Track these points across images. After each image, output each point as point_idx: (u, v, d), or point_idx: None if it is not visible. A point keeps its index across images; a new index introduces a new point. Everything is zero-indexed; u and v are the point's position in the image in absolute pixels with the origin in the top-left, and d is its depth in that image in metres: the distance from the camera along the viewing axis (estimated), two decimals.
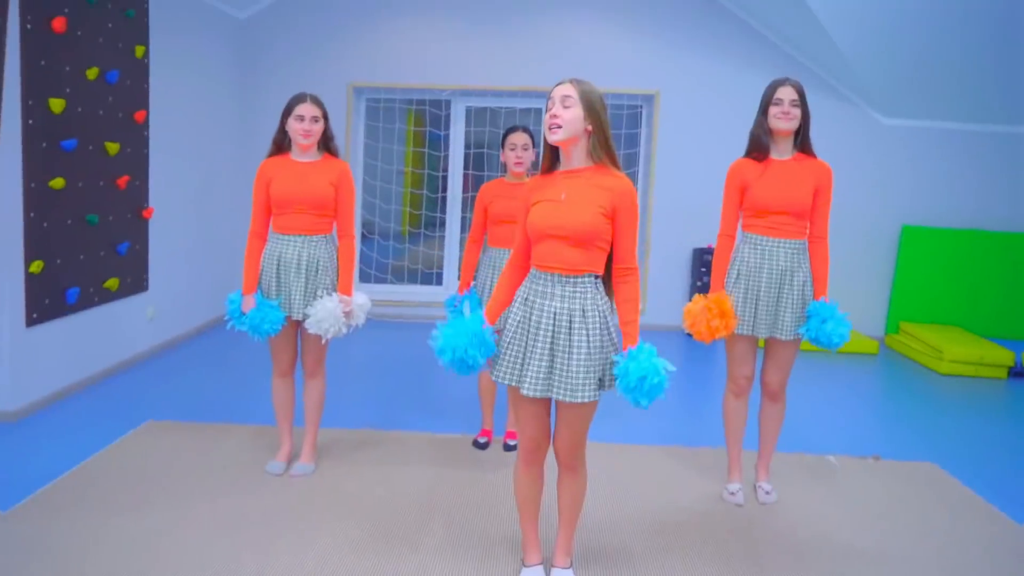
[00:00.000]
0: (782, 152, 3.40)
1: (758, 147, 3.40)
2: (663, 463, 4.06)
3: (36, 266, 4.32)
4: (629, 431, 4.55)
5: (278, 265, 3.49)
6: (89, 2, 4.66)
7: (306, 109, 3.45)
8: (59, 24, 4.36)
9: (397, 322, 7.44)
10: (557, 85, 2.54)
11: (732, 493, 3.64)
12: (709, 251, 7.05)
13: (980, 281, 7.20)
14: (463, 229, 7.66)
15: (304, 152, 3.52)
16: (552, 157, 2.62)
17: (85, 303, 4.84)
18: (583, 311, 2.51)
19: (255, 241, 3.57)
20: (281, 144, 3.56)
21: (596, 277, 2.57)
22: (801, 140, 3.39)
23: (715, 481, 3.81)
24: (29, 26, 4.16)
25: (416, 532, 3.21)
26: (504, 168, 3.98)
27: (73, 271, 4.69)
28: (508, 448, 4.11)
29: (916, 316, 7.30)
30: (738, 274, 3.45)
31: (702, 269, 7.11)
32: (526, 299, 2.58)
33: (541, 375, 2.52)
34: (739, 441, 3.68)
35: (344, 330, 3.49)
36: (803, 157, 3.39)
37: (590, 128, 2.51)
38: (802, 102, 3.34)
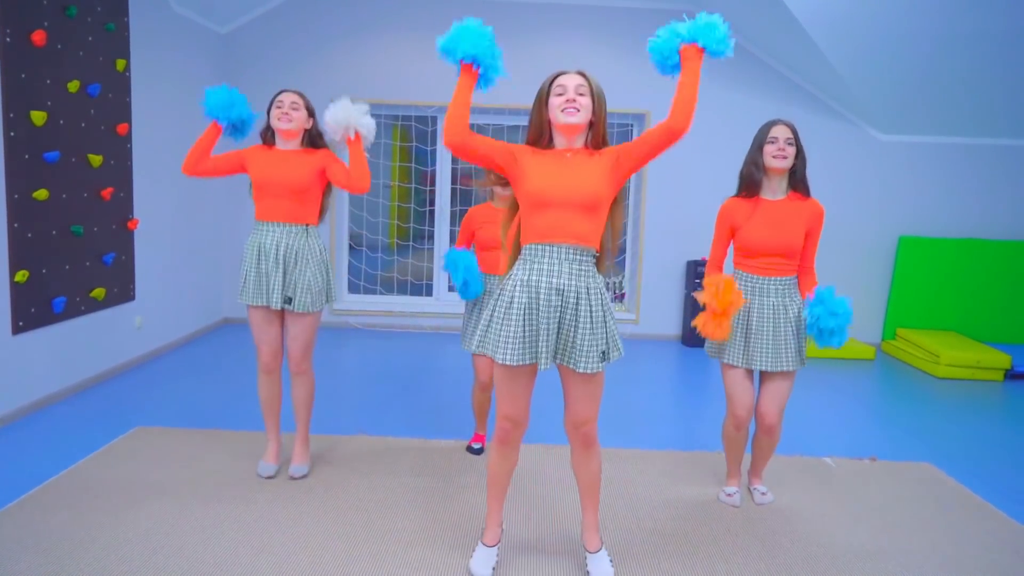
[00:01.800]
0: (775, 191, 3.39)
1: (749, 185, 3.39)
2: (662, 467, 4.08)
3: (21, 275, 4.35)
4: (627, 436, 4.58)
5: (258, 254, 3.49)
6: (69, 15, 4.72)
7: (285, 96, 3.52)
8: (39, 37, 4.41)
9: (387, 332, 7.47)
10: (563, 73, 2.61)
11: (729, 495, 3.66)
12: (703, 263, 7.13)
13: (976, 288, 7.28)
14: (451, 242, 7.71)
15: (286, 141, 3.55)
16: (547, 138, 2.66)
17: (72, 312, 4.87)
18: (587, 289, 2.58)
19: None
20: (265, 137, 3.61)
21: (595, 254, 2.64)
22: (796, 180, 3.38)
23: (713, 484, 3.83)
24: (9, 39, 4.22)
25: (409, 535, 3.23)
26: (491, 193, 3.96)
27: (59, 281, 4.73)
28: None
29: (913, 323, 7.37)
30: None
31: (696, 281, 7.17)
32: (527, 280, 2.58)
33: (557, 347, 2.60)
34: (739, 460, 3.71)
35: (351, 129, 3.48)
36: (796, 197, 3.38)
37: (593, 119, 2.60)
38: (796, 141, 3.34)
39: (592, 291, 2.58)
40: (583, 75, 2.60)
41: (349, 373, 5.84)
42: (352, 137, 3.47)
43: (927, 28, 5.92)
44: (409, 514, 3.37)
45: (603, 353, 2.61)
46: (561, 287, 2.55)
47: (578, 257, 2.57)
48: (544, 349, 2.57)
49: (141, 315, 5.82)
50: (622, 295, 7.83)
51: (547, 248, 2.57)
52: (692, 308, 7.20)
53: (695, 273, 7.20)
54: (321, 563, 2.93)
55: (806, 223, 3.35)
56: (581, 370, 2.57)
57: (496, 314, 2.63)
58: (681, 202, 7.29)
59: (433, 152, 7.63)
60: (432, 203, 7.72)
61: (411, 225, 7.79)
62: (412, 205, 7.75)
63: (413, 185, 7.72)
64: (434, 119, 7.54)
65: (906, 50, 6.20)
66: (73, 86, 4.78)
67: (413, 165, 7.71)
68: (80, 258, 4.93)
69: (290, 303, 3.49)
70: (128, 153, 5.48)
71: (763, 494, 3.67)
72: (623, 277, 7.82)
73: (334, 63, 7.27)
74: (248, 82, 7.24)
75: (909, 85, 6.61)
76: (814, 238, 3.40)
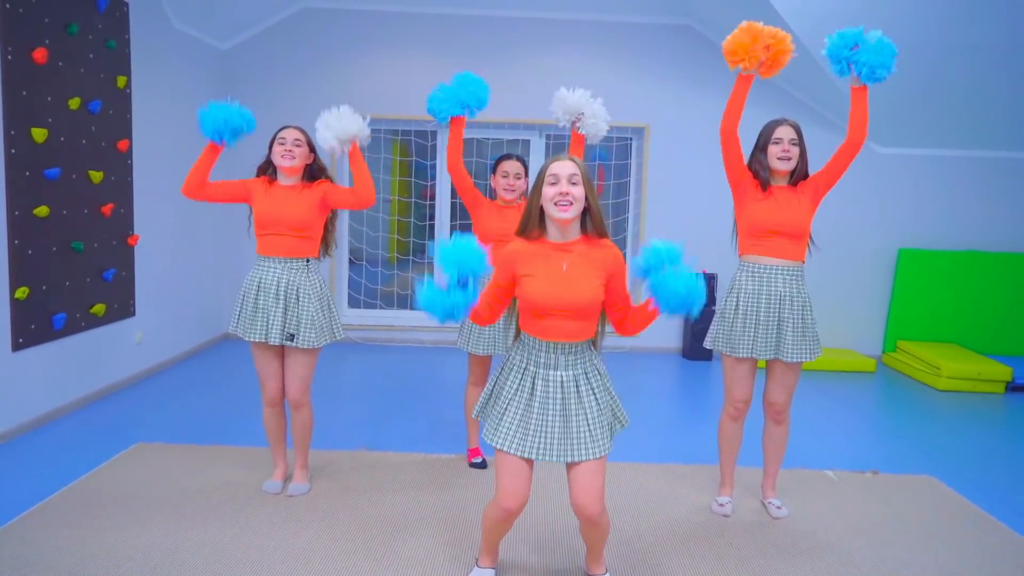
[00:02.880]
0: (780, 182, 3.45)
1: (757, 180, 3.44)
2: (663, 480, 4.08)
3: (21, 292, 4.35)
4: (629, 449, 4.57)
5: (258, 289, 3.48)
6: (70, 33, 4.74)
7: (288, 133, 3.51)
8: (40, 55, 4.43)
9: (386, 346, 7.47)
10: (555, 161, 2.57)
11: (721, 504, 3.67)
12: (704, 276, 7.10)
13: (977, 300, 7.28)
14: None
15: (288, 177, 3.54)
16: (539, 225, 2.63)
17: (72, 328, 4.87)
18: (586, 374, 2.62)
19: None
20: (265, 171, 3.60)
21: (591, 340, 2.67)
22: (797, 176, 3.42)
23: (712, 496, 3.82)
24: (10, 57, 4.24)
25: (410, 551, 3.23)
26: (493, 193, 4.01)
27: (59, 297, 4.73)
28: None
29: (914, 335, 7.37)
30: (736, 300, 3.48)
31: None
32: (524, 369, 2.63)
33: (555, 442, 2.58)
34: (733, 461, 3.72)
35: (347, 143, 3.45)
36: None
37: (587, 205, 2.58)
38: (800, 140, 3.39)
39: (591, 373, 2.64)
40: (575, 161, 2.57)
41: (349, 388, 5.84)
42: (350, 149, 3.46)
43: (926, 41, 5.95)
44: (410, 530, 3.36)
45: (610, 430, 2.67)
46: (560, 379, 2.59)
47: (573, 349, 2.60)
48: (542, 442, 2.58)
49: (141, 331, 5.82)
50: None
51: (543, 343, 2.60)
52: (693, 321, 7.20)
53: None
54: None
55: (811, 196, 3.41)
56: (590, 457, 2.58)
57: (500, 400, 2.67)
58: (681, 213, 7.29)
59: (433, 166, 7.65)
60: (432, 217, 7.73)
61: (411, 239, 7.80)
62: (412, 219, 7.77)
63: (413, 199, 7.74)
64: (434, 134, 7.56)
65: (905, 63, 6.19)
66: (74, 103, 4.80)
67: (413, 179, 7.73)
68: (80, 274, 4.94)
69: (292, 340, 3.48)
70: (129, 169, 5.49)
71: (778, 508, 3.65)
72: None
73: (334, 78, 7.30)
74: (248, 98, 7.22)
75: (908, 98, 6.63)
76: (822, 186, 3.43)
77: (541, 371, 2.59)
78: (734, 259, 3.64)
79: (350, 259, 7.74)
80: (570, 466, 2.64)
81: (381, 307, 7.82)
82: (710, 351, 7.22)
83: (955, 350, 6.87)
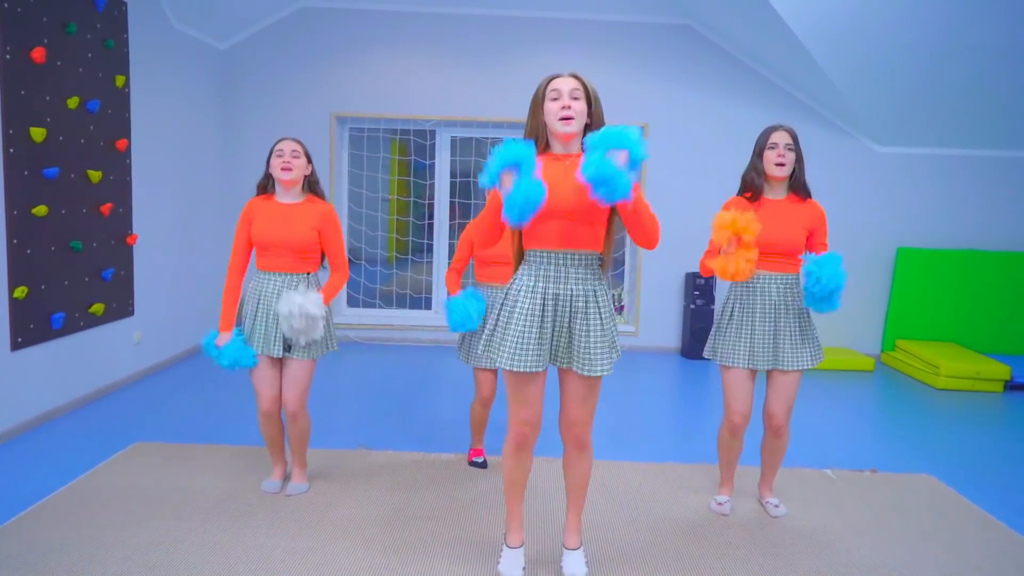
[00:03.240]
0: (776, 193, 3.44)
1: (751, 188, 3.44)
2: (662, 479, 4.07)
3: (20, 292, 4.35)
4: (627, 449, 4.58)
5: (258, 302, 3.51)
6: (69, 32, 4.74)
7: (285, 144, 3.50)
8: (39, 54, 4.43)
9: (386, 345, 7.47)
10: (556, 77, 2.60)
11: (720, 504, 3.67)
12: (702, 275, 7.11)
13: (976, 299, 7.29)
14: (450, 255, 7.71)
15: (287, 191, 3.53)
16: (544, 142, 2.66)
17: (70, 328, 4.87)
18: (595, 292, 2.61)
19: (234, 277, 3.60)
20: (265, 187, 3.60)
21: (600, 257, 2.67)
22: (794, 183, 3.42)
23: (711, 496, 3.82)
24: (9, 56, 4.24)
25: (409, 550, 3.23)
26: None
27: (58, 296, 4.73)
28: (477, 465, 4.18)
29: (912, 334, 7.37)
30: (732, 311, 3.48)
31: (695, 292, 7.18)
32: (533, 287, 2.60)
33: (561, 351, 2.63)
34: (732, 467, 3.72)
35: (304, 323, 3.38)
36: (795, 199, 3.43)
37: (589, 121, 2.60)
38: (796, 146, 3.39)
39: (600, 295, 2.63)
40: (577, 78, 2.59)
41: (348, 387, 5.84)
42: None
43: (925, 40, 5.96)
44: (409, 528, 3.36)
45: (611, 354, 2.67)
46: (569, 292, 2.58)
47: (583, 261, 2.60)
48: (553, 352, 2.62)
49: (140, 330, 5.82)
50: (621, 307, 7.83)
51: (551, 254, 2.59)
52: (692, 320, 7.21)
53: (694, 285, 7.20)
54: None
55: (807, 224, 3.39)
56: (591, 373, 2.59)
57: (502, 322, 2.66)
58: (680, 214, 7.30)
59: (432, 166, 7.66)
60: (431, 216, 7.73)
61: (410, 239, 7.81)
62: (411, 219, 7.77)
63: (412, 199, 7.74)
64: (433, 133, 7.57)
65: (904, 62, 6.24)
66: (72, 102, 4.80)
67: (412, 179, 7.73)
68: (79, 274, 4.94)
69: (290, 350, 3.50)
70: (127, 169, 5.49)
71: (776, 507, 3.66)
72: (623, 289, 7.82)
73: (333, 78, 7.30)
74: (247, 97, 7.28)
75: (907, 97, 6.64)
76: (820, 237, 3.44)
77: (551, 286, 2.59)
78: None
79: (349, 259, 7.72)
80: (564, 382, 2.67)
81: (380, 306, 7.82)
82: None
83: (954, 349, 6.87)
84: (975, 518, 3.69)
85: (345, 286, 7.69)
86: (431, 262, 7.81)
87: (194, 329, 6.81)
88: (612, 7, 7.14)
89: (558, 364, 2.65)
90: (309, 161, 3.60)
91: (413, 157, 7.70)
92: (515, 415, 2.73)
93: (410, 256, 7.84)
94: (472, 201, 7.61)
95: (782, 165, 3.35)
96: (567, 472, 2.88)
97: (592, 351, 2.59)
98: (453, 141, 7.60)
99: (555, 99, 2.56)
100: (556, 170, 2.59)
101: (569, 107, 2.54)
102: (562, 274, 2.58)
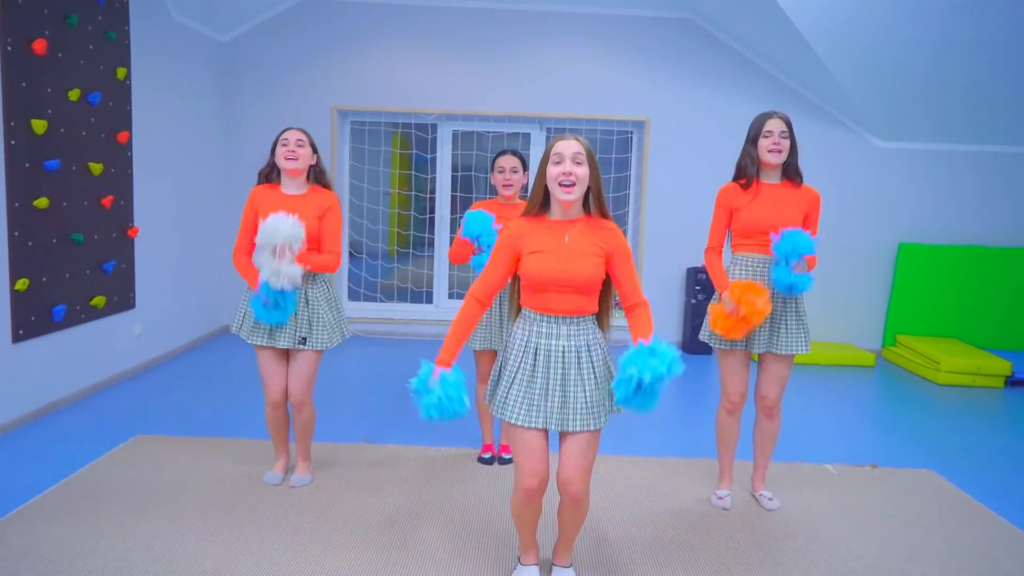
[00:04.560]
0: (771, 178, 3.47)
1: (744, 175, 3.47)
2: (663, 474, 4.08)
3: (22, 284, 4.35)
4: (628, 443, 4.58)
5: None
6: (70, 24, 4.73)
7: (290, 134, 3.49)
8: (40, 46, 4.42)
9: (387, 339, 7.47)
10: (560, 140, 2.59)
11: (720, 498, 3.68)
12: (703, 270, 7.12)
13: (977, 295, 7.29)
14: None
15: (292, 180, 3.53)
16: (542, 202, 2.66)
17: (72, 320, 4.87)
18: (588, 346, 2.61)
19: (241, 257, 3.56)
20: (268, 175, 3.58)
21: (595, 315, 2.67)
22: (789, 169, 3.44)
23: (711, 490, 3.82)
24: (10, 48, 4.23)
25: (411, 544, 3.23)
26: (495, 191, 4.02)
27: (59, 289, 4.73)
28: (503, 462, 4.13)
29: (913, 329, 7.37)
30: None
31: (696, 288, 7.17)
32: (526, 342, 2.62)
33: (555, 411, 2.59)
34: (731, 454, 3.74)
35: (285, 249, 3.28)
36: (790, 184, 3.45)
37: (589, 184, 2.60)
38: (790, 133, 3.41)
39: (594, 347, 2.62)
40: (579, 140, 2.59)
41: (350, 381, 5.84)
42: (290, 256, 3.32)
43: (926, 35, 5.95)
44: (411, 523, 3.37)
45: (607, 407, 2.66)
46: (562, 348, 2.58)
47: (575, 322, 2.60)
48: (548, 414, 2.59)
49: (141, 323, 5.81)
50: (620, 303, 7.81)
51: (548, 318, 2.61)
52: (692, 315, 7.20)
53: (695, 280, 7.19)
54: (322, 572, 2.92)
55: (804, 206, 3.43)
56: (585, 428, 2.58)
57: (500, 371, 2.69)
58: (681, 209, 7.30)
59: (433, 160, 7.64)
60: (432, 210, 7.72)
61: (411, 232, 7.79)
62: (412, 212, 7.76)
63: (413, 192, 7.73)
64: (434, 127, 7.55)
65: (905, 57, 6.22)
66: (74, 94, 4.79)
67: (413, 172, 7.72)
68: (80, 266, 4.93)
69: (304, 343, 3.49)
70: (128, 161, 5.48)
71: (770, 499, 3.67)
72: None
73: (334, 71, 7.29)
74: (248, 90, 7.26)
75: (909, 92, 6.63)
76: (813, 221, 3.47)
77: (543, 342, 2.59)
78: (728, 253, 3.65)
79: (350, 252, 7.73)
80: (563, 439, 2.65)
81: (381, 300, 7.81)
82: (710, 345, 7.20)
83: (955, 344, 6.87)
84: (975, 513, 3.69)
85: (347, 281, 7.70)
86: (432, 256, 7.80)
87: (195, 322, 6.82)
88: (614, 1, 7.12)
89: (554, 428, 2.60)
90: (315, 151, 3.58)
91: (414, 151, 7.68)
92: (520, 467, 2.67)
93: (411, 250, 7.83)
94: (473, 195, 7.59)
95: (776, 152, 3.37)
96: (560, 520, 2.82)
97: (588, 406, 2.58)
98: (454, 135, 7.59)
99: (558, 163, 2.55)
100: (556, 243, 2.59)
101: (571, 173, 2.54)
102: (553, 332, 2.59)
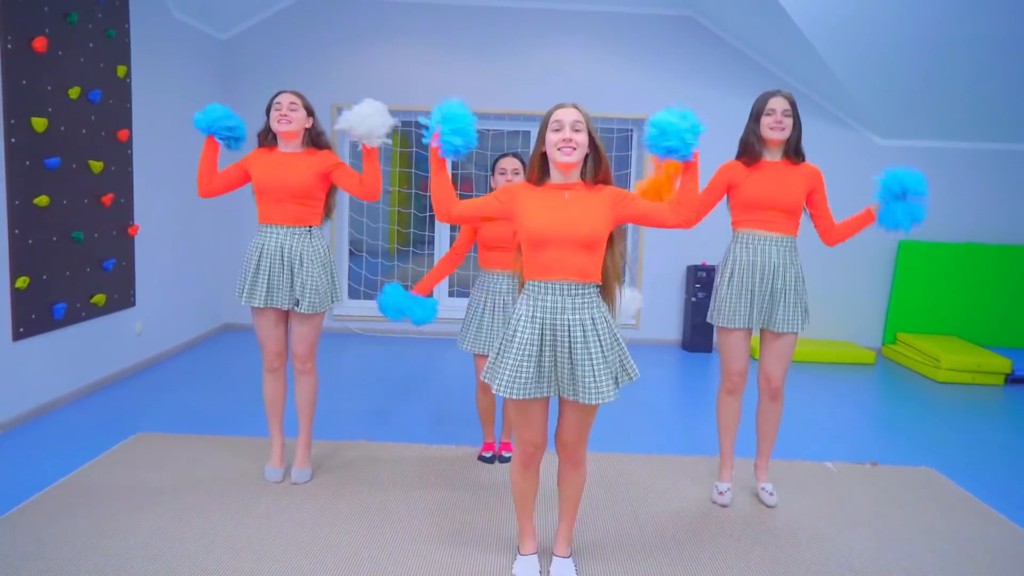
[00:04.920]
0: (773, 155, 3.49)
1: (750, 152, 3.48)
2: (663, 471, 4.08)
3: (22, 282, 4.35)
4: (629, 440, 4.59)
5: (259, 256, 3.49)
6: (70, 22, 4.72)
7: (283, 97, 3.49)
8: (40, 44, 4.42)
9: (387, 337, 7.47)
10: (559, 108, 2.63)
11: (720, 493, 3.68)
12: (703, 268, 7.14)
13: (977, 292, 7.28)
14: (451, 246, 7.70)
15: (287, 142, 3.53)
16: (541, 171, 2.70)
17: (72, 318, 4.87)
18: (593, 320, 2.61)
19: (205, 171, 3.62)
20: (264, 139, 3.59)
21: (598, 286, 2.67)
22: (791, 148, 3.45)
23: (712, 487, 3.82)
24: (10, 46, 4.22)
25: (410, 542, 3.23)
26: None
27: (59, 287, 4.73)
28: (504, 460, 4.13)
29: (913, 327, 7.37)
30: (731, 272, 3.51)
31: (696, 285, 7.18)
32: (532, 316, 2.62)
33: (564, 382, 2.62)
34: (732, 438, 3.73)
35: (371, 139, 3.31)
36: (791, 162, 3.47)
37: (588, 151, 2.64)
38: (794, 112, 3.42)
39: (598, 321, 2.62)
40: (578, 108, 2.63)
41: (350, 379, 5.84)
42: (370, 147, 3.36)
43: (926, 33, 5.94)
44: (411, 521, 3.37)
45: (615, 379, 2.67)
46: (567, 322, 2.58)
47: (580, 291, 2.60)
48: (557, 383, 2.63)
49: (141, 321, 5.82)
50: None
51: (549, 285, 2.60)
52: (693, 312, 7.21)
53: (695, 278, 7.20)
54: (323, 570, 2.92)
55: (806, 183, 3.46)
56: (593, 401, 2.59)
57: (502, 348, 2.68)
58: None
59: None
60: (432, 208, 7.70)
61: (411, 230, 7.80)
62: (412, 210, 7.76)
63: (413, 190, 7.73)
64: None
65: (905, 54, 6.22)
66: (74, 92, 4.79)
67: (413, 170, 7.72)
68: (81, 264, 4.94)
69: (298, 305, 3.50)
70: (129, 159, 5.48)
71: (770, 494, 3.67)
72: (624, 282, 7.81)
73: (334, 68, 7.28)
74: (248, 88, 7.26)
75: (908, 89, 6.62)
76: (821, 196, 3.51)
77: (548, 316, 2.59)
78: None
79: (350, 250, 7.73)
80: (563, 405, 2.68)
81: None
82: (710, 343, 7.23)
83: (955, 342, 6.87)
84: (975, 511, 3.70)
85: (348, 279, 7.70)
86: (432, 254, 7.80)
87: (195, 320, 6.82)
88: None
89: (562, 394, 2.65)
90: (310, 114, 3.58)
91: (414, 148, 7.68)
92: (520, 436, 2.76)
93: (411, 248, 7.84)
94: (473, 193, 7.59)
95: (779, 130, 3.39)
96: (561, 485, 2.89)
97: (596, 379, 2.59)
98: None
99: (557, 130, 2.60)
100: (555, 199, 2.63)
101: (571, 139, 2.58)
102: (559, 304, 2.59)
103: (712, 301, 3.63)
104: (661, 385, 6.03)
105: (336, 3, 7.23)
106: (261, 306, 3.52)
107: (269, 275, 3.48)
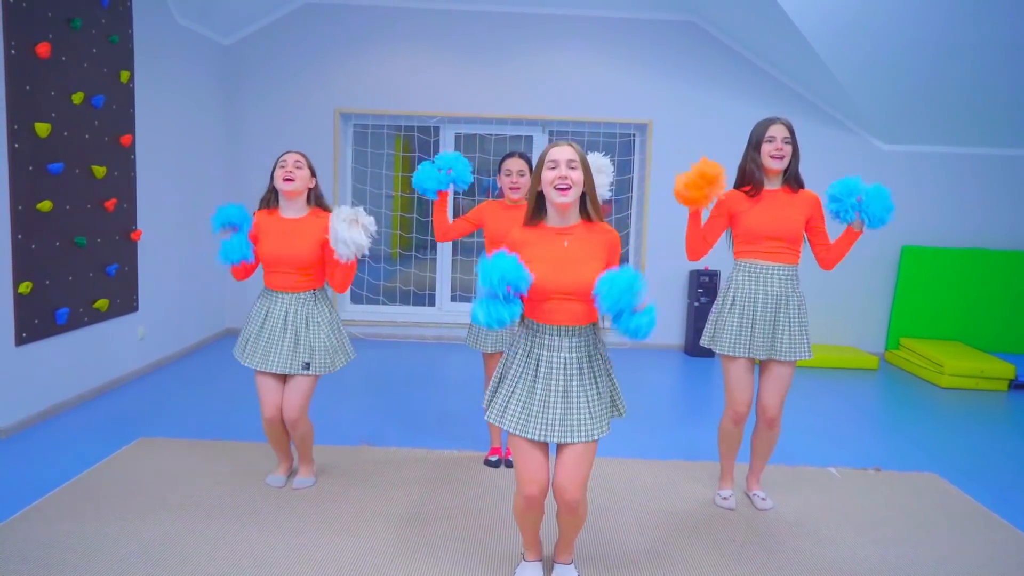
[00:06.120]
0: (772, 184, 3.48)
1: (751, 181, 3.46)
2: (665, 476, 4.08)
3: (25, 287, 4.36)
4: (631, 445, 4.58)
5: (265, 318, 3.52)
6: (73, 28, 4.74)
7: (288, 156, 3.52)
8: (43, 49, 4.43)
9: (390, 342, 7.47)
10: (554, 146, 2.61)
11: (724, 498, 3.69)
12: (706, 273, 7.13)
13: (980, 298, 7.27)
14: (455, 252, 7.73)
15: (291, 203, 3.54)
16: (537, 209, 2.69)
17: (75, 323, 4.87)
18: (589, 357, 2.64)
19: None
20: (269, 202, 3.61)
21: (594, 324, 2.68)
22: (790, 176, 3.45)
23: (713, 492, 3.82)
24: (14, 51, 4.23)
25: (413, 547, 3.23)
26: (501, 192, 4.03)
27: (62, 292, 4.73)
28: (510, 465, 4.11)
29: (917, 332, 7.36)
30: (733, 300, 3.51)
31: (699, 290, 7.17)
32: (529, 352, 2.64)
33: (556, 423, 2.59)
34: (733, 458, 3.75)
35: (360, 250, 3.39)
36: (789, 190, 3.46)
37: (583, 189, 2.62)
38: (792, 139, 3.41)
39: (595, 357, 2.65)
40: (573, 146, 2.62)
41: (352, 384, 5.84)
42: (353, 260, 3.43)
43: (929, 38, 5.94)
44: (413, 526, 3.37)
45: (607, 415, 2.69)
46: (563, 360, 2.59)
47: (577, 332, 2.61)
48: (543, 422, 2.59)
49: (144, 326, 5.82)
50: None
51: (547, 327, 2.62)
52: (695, 318, 7.20)
53: (697, 283, 7.19)
54: (325, 574, 2.92)
55: (805, 212, 3.44)
56: (583, 439, 2.58)
57: (500, 380, 2.70)
58: (683, 211, 7.22)
59: None
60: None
61: (413, 235, 7.80)
62: (414, 215, 7.76)
63: (415, 195, 7.73)
64: (436, 129, 7.56)
65: (908, 60, 6.22)
66: (77, 98, 4.80)
67: (415, 175, 7.71)
68: (83, 269, 4.94)
69: (308, 368, 3.50)
70: (132, 164, 5.49)
71: (763, 499, 3.68)
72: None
73: (337, 74, 7.29)
74: (251, 93, 7.28)
75: (911, 95, 6.62)
76: (820, 223, 3.50)
77: (544, 353, 2.61)
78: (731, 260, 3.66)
79: None
80: (561, 447, 2.66)
81: (384, 303, 7.82)
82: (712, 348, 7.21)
83: (958, 347, 6.85)
84: (979, 516, 3.68)
85: (349, 288, 7.69)
86: (435, 259, 7.80)
87: (198, 325, 6.82)
88: (616, 3, 7.12)
89: (555, 440, 2.60)
90: (313, 174, 3.61)
91: (417, 153, 7.69)
92: (518, 476, 2.69)
93: (414, 252, 7.83)
94: (476, 198, 7.60)
95: (779, 159, 3.37)
96: (559, 524, 2.83)
97: (591, 415, 2.59)
98: (457, 137, 7.59)
99: (552, 168, 2.58)
100: (555, 249, 2.61)
101: (566, 177, 2.56)
102: (555, 344, 2.60)
103: (710, 325, 3.61)
104: (663, 390, 6.02)
105: (338, 9, 7.24)
106: (261, 370, 3.52)
107: (271, 339, 3.49)
